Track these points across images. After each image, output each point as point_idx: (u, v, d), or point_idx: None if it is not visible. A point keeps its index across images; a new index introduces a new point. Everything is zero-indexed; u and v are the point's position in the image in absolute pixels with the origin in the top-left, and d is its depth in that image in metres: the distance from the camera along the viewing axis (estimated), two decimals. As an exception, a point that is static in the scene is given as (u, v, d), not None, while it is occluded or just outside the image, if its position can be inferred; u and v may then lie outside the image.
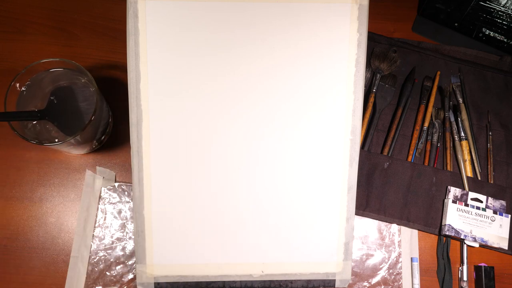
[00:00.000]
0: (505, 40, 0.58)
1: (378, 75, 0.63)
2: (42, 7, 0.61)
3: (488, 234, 0.58)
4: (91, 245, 0.55)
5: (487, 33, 0.58)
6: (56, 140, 0.48)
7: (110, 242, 0.56)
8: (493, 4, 0.53)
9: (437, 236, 0.59)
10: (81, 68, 0.49)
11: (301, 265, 0.54)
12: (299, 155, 0.52)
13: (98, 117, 0.50)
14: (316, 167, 0.53)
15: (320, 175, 0.53)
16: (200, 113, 0.51)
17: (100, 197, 0.56)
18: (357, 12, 0.51)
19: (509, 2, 0.52)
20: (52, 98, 0.50)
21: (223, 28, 0.50)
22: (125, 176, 0.58)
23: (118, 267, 0.55)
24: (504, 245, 0.58)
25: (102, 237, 0.56)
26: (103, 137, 0.56)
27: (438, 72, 0.64)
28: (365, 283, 0.57)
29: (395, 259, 0.58)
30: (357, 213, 0.59)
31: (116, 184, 0.57)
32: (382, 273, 0.57)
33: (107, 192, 0.57)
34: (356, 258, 0.58)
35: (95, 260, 0.55)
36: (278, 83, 0.51)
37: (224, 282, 0.54)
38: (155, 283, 0.53)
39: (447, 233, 0.58)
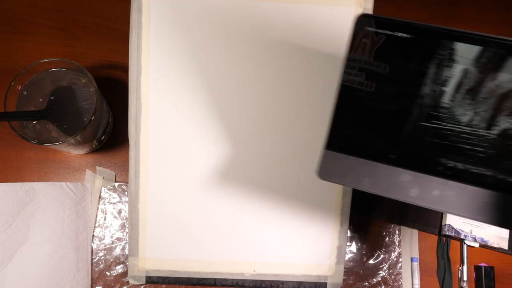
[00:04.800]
0: (490, 173, 0.36)
1: (378, 75, 0.63)
2: (42, 7, 0.61)
3: (488, 234, 0.58)
4: (91, 245, 0.55)
5: (451, 165, 0.37)
6: (56, 140, 0.48)
7: (110, 242, 0.56)
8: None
9: (437, 236, 0.59)
10: (81, 68, 0.49)
11: (293, 266, 0.54)
12: (296, 156, 0.52)
13: (98, 117, 0.50)
14: (312, 169, 0.53)
15: (316, 178, 0.53)
16: (199, 110, 0.51)
17: (100, 197, 0.56)
18: None
19: (476, 117, 0.34)
20: (52, 98, 0.50)
21: (226, 27, 0.50)
22: (125, 176, 0.58)
23: (118, 267, 0.55)
24: (504, 245, 0.58)
25: (102, 237, 0.56)
26: (103, 137, 0.56)
27: (438, 72, 0.64)
28: (365, 283, 0.57)
29: (395, 259, 0.58)
30: (357, 213, 0.59)
31: (116, 184, 0.57)
32: (382, 273, 0.57)
33: (107, 192, 0.57)
34: (356, 258, 0.58)
35: (95, 260, 0.55)
36: (279, 84, 0.51)
37: (215, 279, 0.54)
38: (146, 276, 0.53)
39: (447, 233, 0.58)
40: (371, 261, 0.58)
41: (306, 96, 0.52)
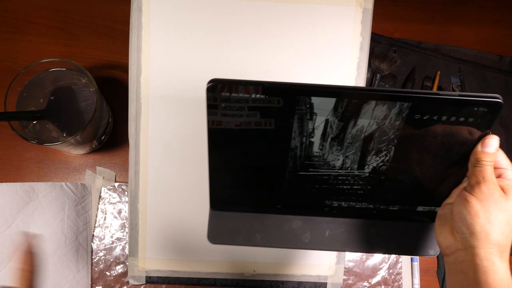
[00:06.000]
0: (372, 206, 0.39)
1: (378, 75, 0.63)
2: (42, 7, 0.61)
3: (488, 234, 0.58)
4: (91, 245, 0.55)
5: (335, 205, 0.39)
6: (56, 140, 0.48)
7: (110, 242, 0.56)
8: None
9: (437, 236, 0.59)
10: (81, 68, 0.49)
11: (293, 266, 0.54)
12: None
13: (98, 117, 0.50)
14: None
15: None
16: (199, 110, 0.51)
17: (100, 197, 0.56)
18: (361, 15, 0.50)
19: (347, 160, 0.35)
20: (52, 98, 0.50)
21: (226, 27, 0.50)
22: (125, 176, 0.58)
23: (118, 267, 0.55)
24: (504, 245, 0.58)
25: (102, 237, 0.56)
26: (103, 137, 0.56)
27: (438, 72, 0.64)
28: (365, 283, 0.57)
29: (395, 259, 0.58)
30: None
31: (116, 184, 0.57)
32: (382, 273, 0.57)
33: (107, 192, 0.57)
34: (356, 258, 0.58)
35: (95, 260, 0.55)
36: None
37: (215, 279, 0.54)
38: (146, 276, 0.53)
39: (447, 233, 0.58)
40: (371, 261, 0.58)
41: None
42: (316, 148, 0.34)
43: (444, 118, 0.32)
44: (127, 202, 0.57)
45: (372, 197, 0.38)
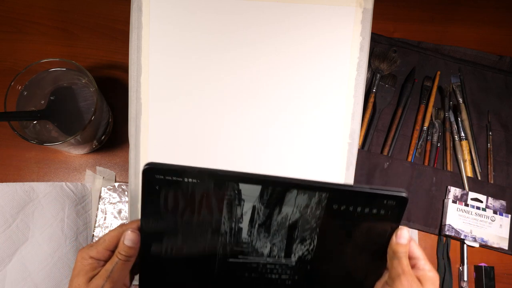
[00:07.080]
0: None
1: (378, 75, 0.63)
2: (42, 7, 0.61)
3: (488, 234, 0.58)
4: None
5: None
6: (56, 140, 0.48)
7: (110, 242, 0.56)
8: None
9: (437, 236, 0.59)
10: (81, 68, 0.49)
11: None
12: (297, 156, 0.52)
13: (98, 117, 0.50)
14: (313, 169, 0.53)
15: (317, 177, 0.52)
16: (199, 111, 0.51)
17: (100, 197, 0.56)
18: (361, 15, 0.50)
19: (275, 248, 0.36)
20: (52, 98, 0.50)
21: (226, 27, 0.50)
22: (125, 176, 0.58)
23: (118, 267, 0.55)
24: (504, 245, 0.58)
25: (102, 237, 0.56)
26: (103, 137, 0.56)
27: (438, 72, 0.64)
28: (365, 283, 0.57)
29: (395, 259, 0.58)
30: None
31: (116, 184, 0.57)
32: (382, 273, 0.57)
33: (107, 192, 0.57)
34: (356, 258, 0.58)
35: (95, 260, 0.55)
36: (279, 84, 0.51)
37: None
38: None
39: (447, 233, 0.58)
40: (371, 261, 0.58)
41: (307, 96, 0.52)
42: (245, 234, 0.35)
43: (359, 209, 0.33)
44: (127, 202, 0.57)
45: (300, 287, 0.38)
